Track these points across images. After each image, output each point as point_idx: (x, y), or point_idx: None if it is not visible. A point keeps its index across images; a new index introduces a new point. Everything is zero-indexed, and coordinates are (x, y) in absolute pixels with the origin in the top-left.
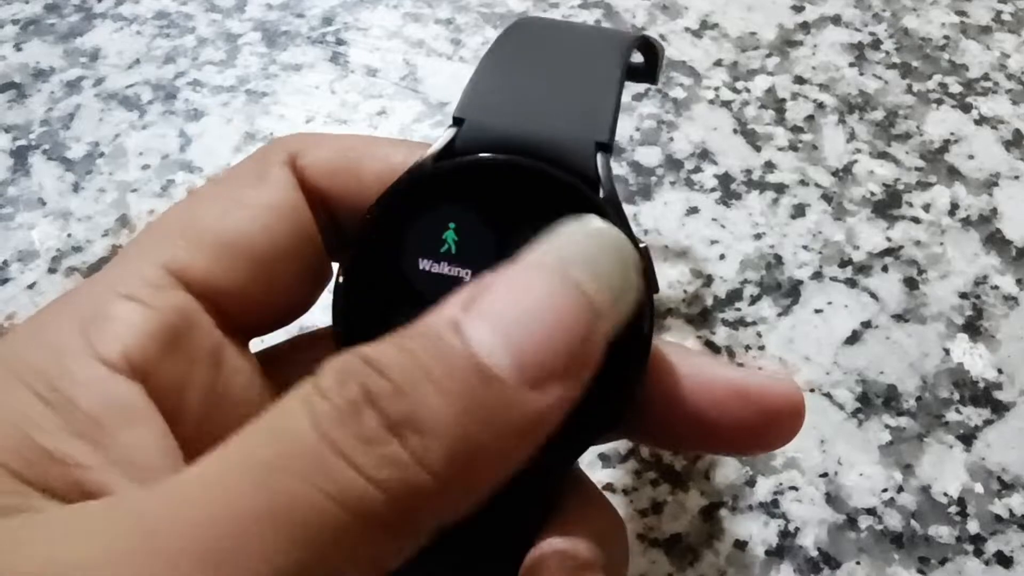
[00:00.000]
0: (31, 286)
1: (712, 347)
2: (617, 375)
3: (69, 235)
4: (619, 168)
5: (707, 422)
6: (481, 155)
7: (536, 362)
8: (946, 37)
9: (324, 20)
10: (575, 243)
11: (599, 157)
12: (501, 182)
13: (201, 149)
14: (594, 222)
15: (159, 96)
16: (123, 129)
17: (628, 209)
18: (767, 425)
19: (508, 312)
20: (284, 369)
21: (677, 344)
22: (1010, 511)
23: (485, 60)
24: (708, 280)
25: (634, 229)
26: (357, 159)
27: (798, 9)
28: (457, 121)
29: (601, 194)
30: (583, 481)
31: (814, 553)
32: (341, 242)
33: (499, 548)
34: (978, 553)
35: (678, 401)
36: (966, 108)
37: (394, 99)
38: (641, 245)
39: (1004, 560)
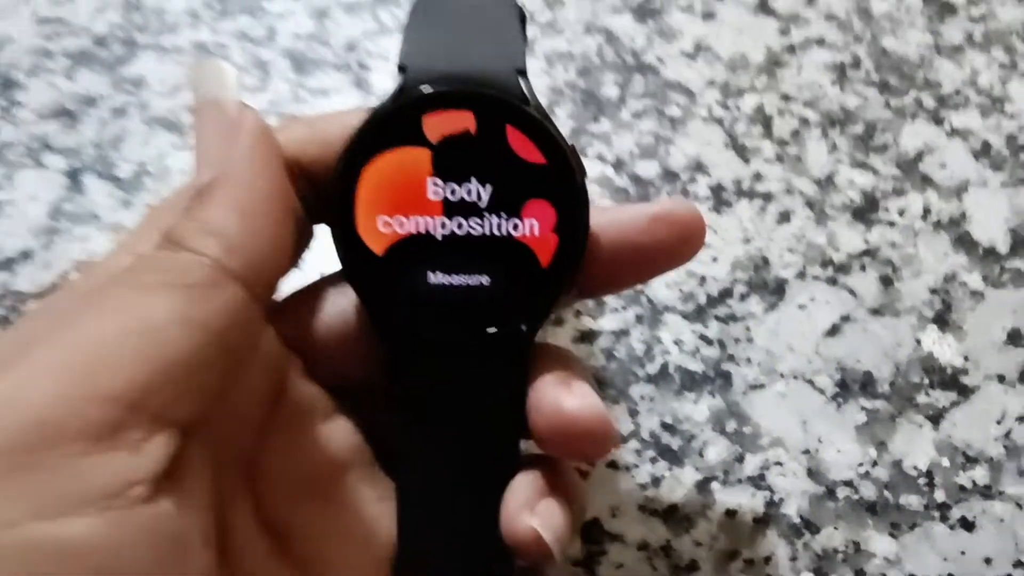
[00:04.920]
0: None
1: (706, 340)
2: (564, 250)
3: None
4: (620, 180)
5: (637, 249)
6: (429, 88)
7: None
8: (921, 56)
9: (348, 48)
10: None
11: (521, 80)
12: (451, 105)
13: None
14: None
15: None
16: (167, 150)
17: None
18: (681, 236)
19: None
20: (290, 318)
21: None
22: (973, 482)
23: (411, 19)
24: (702, 280)
25: None
26: (323, 127)
27: (784, 32)
28: (401, 68)
29: (530, 106)
30: (547, 344)
31: (797, 520)
32: (320, 206)
33: (495, 400)
34: (944, 519)
35: (613, 242)
36: (939, 121)
37: None
38: (569, 144)
39: (967, 525)
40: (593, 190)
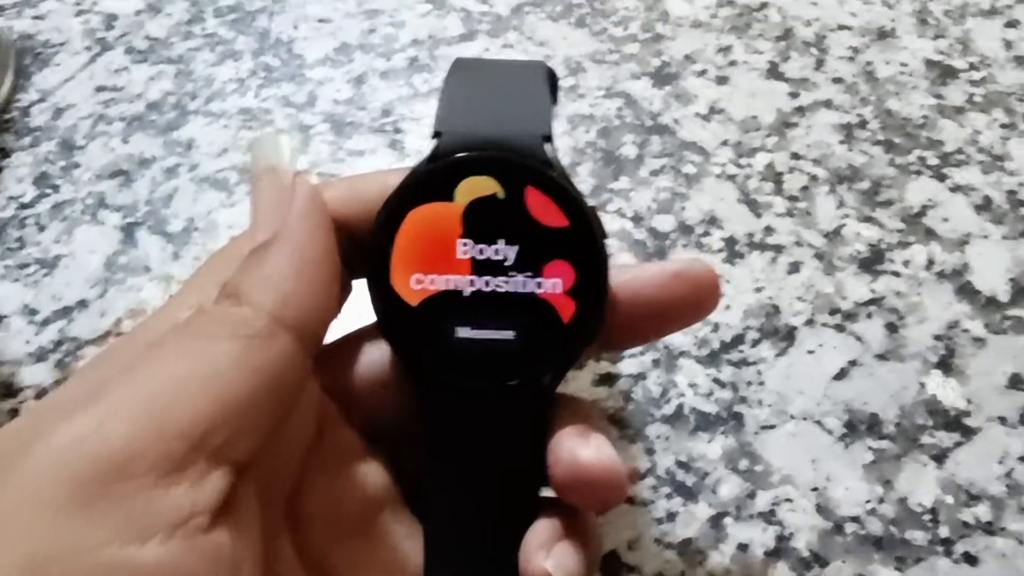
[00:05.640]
0: None
1: (719, 383)
2: (584, 308)
3: (171, 296)
4: (638, 233)
5: (656, 306)
6: (460, 154)
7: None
8: (924, 117)
9: (383, 112)
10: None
11: (547, 146)
12: (481, 171)
13: None
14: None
15: (244, 179)
16: (214, 207)
17: None
18: (698, 294)
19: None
20: (328, 367)
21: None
22: (976, 518)
23: (446, 87)
24: (715, 327)
25: None
26: (362, 187)
27: (794, 95)
28: (436, 134)
29: (554, 171)
30: (568, 395)
31: (806, 554)
32: (358, 261)
33: (517, 447)
34: (948, 553)
35: (633, 299)
36: (942, 178)
37: None
38: (591, 206)
39: (971, 559)
40: (613, 243)
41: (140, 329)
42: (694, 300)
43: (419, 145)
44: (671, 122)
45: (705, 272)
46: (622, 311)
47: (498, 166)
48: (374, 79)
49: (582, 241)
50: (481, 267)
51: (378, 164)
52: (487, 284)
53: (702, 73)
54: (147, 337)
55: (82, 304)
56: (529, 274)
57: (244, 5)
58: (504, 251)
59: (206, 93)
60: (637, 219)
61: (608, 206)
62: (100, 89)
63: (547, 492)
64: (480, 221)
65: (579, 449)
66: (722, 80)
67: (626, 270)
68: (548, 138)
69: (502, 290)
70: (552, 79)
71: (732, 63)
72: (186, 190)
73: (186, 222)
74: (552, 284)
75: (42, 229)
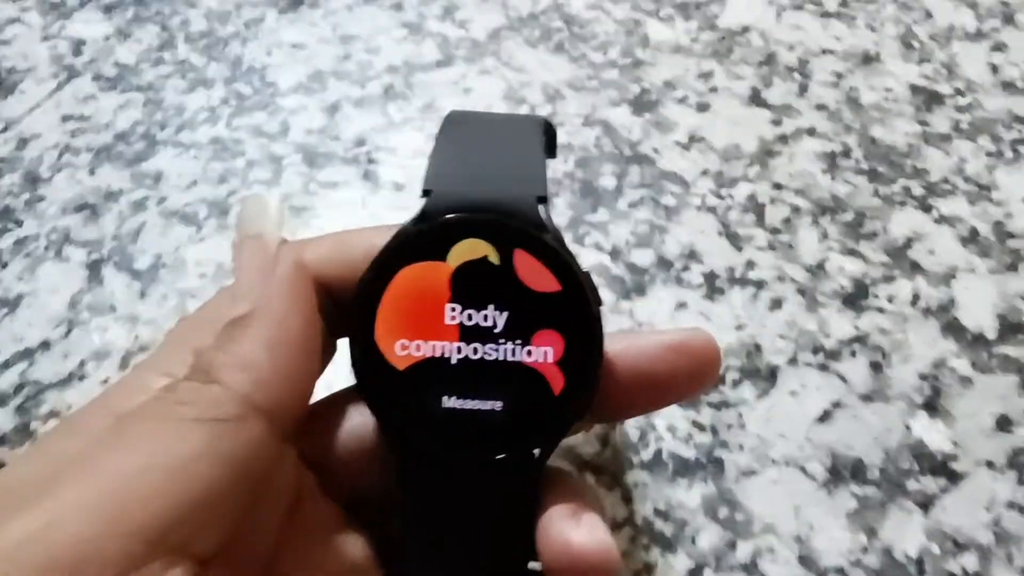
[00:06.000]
0: (104, 382)
1: (698, 427)
2: (576, 379)
3: (136, 336)
4: (616, 268)
5: (652, 378)
6: (451, 215)
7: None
8: (910, 145)
9: (357, 142)
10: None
11: (540, 207)
12: (470, 233)
13: None
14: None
15: (214, 212)
16: (183, 242)
17: (624, 304)
18: (698, 367)
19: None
20: (307, 435)
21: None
22: (964, 569)
23: (439, 142)
24: None
25: (629, 322)
26: (348, 245)
27: (777, 123)
28: (426, 192)
29: (547, 234)
30: (558, 469)
31: None
32: (341, 323)
33: (504, 521)
34: None
35: (628, 370)
36: (927, 209)
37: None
38: (584, 270)
39: None
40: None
41: (111, 393)
42: (694, 372)
43: (392, 176)
44: (650, 151)
45: (705, 344)
46: (615, 382)
47: (488, 228)
48: (348, 107)
49: (573, 308)
50: (469, 334)
51: (351, 196)
52: (475, 351)
53: (682, 100)
54: (116, 405)
55: (45, 345)
56: (519, 342)
57: (216, 31)
58: (493, 317)
59: (176, 122)
60: (615, 253)
61: (585, 239)
62: (67, 118)
63: (535, 564)
64: (469, 285)
65: (570, 532)
66: (703, 107)
67: (621, 338)
68: (542, 199)
69: (490, 358)
70: (549, 133)
71: (713, 89)
72: (154, 224)
73: (153, 258)
74: (543, 353)
75: (4, 266)
